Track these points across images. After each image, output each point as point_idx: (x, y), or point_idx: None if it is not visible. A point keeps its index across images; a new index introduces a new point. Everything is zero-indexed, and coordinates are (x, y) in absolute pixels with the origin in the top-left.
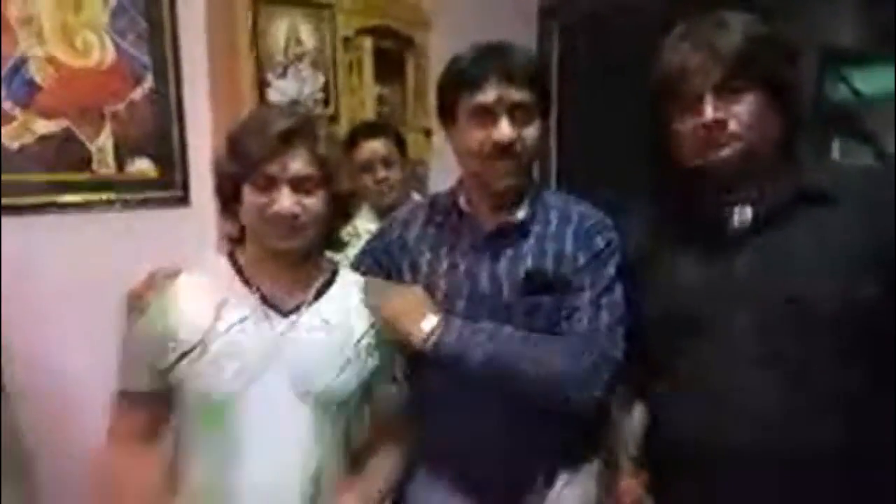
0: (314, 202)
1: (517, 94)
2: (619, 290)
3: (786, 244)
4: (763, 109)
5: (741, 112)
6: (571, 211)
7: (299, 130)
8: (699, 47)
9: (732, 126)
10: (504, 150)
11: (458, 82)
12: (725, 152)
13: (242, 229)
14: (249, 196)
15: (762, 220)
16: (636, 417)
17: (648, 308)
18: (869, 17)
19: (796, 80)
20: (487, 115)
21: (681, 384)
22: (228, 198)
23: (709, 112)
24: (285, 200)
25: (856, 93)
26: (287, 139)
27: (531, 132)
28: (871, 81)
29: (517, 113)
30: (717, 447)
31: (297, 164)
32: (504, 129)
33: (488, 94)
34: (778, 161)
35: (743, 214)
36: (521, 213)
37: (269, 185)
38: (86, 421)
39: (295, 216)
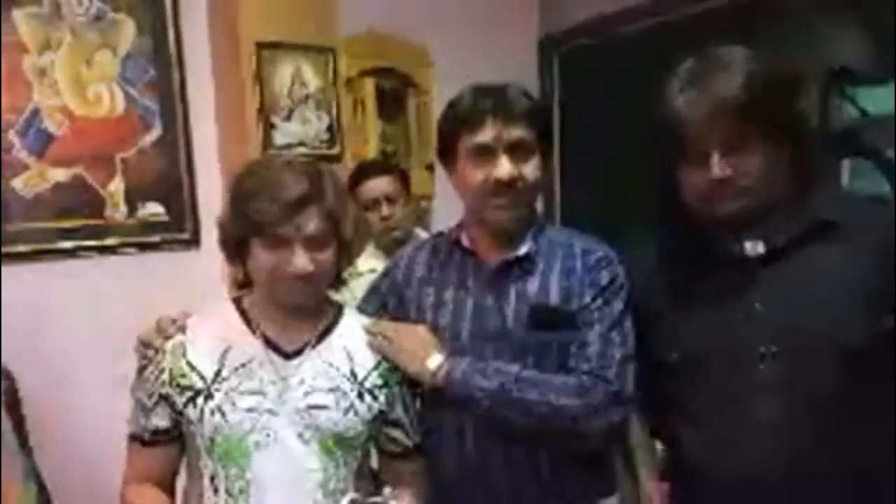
0: (326, 256)
1: (515, 132)
2: (628, 324)
3: (798, 276)
4: (771, 155)
5: (749, 165)
6: (576, 246)
7: (311, 193)
8: (702, 98)
9: (741, 181)
10: (505, 186)
11: (457, 124)
12: (734, 206)
13: (248, 273)
14: (261, 254)
15: (774, 252)
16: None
17: (661, 342)
18: (875, 36)
19: (802, 111)
20: (487, 153)
21: (696, 415)
22: (235, 252)
23: (716, 170)
24: (300, 260)
25: (863, 113)
26: (301, 203)
27: (531, 168)
28: (878, 101)
29: (516, 150)
30: (732, 475)
31: (311, 225)
32: (504, 166)
33: (486, 134)
34: (789, 194)
35: (755, 248)
36: (524, 249)
37: (282, 244)
38: (100, 463)
39: (310, 273)
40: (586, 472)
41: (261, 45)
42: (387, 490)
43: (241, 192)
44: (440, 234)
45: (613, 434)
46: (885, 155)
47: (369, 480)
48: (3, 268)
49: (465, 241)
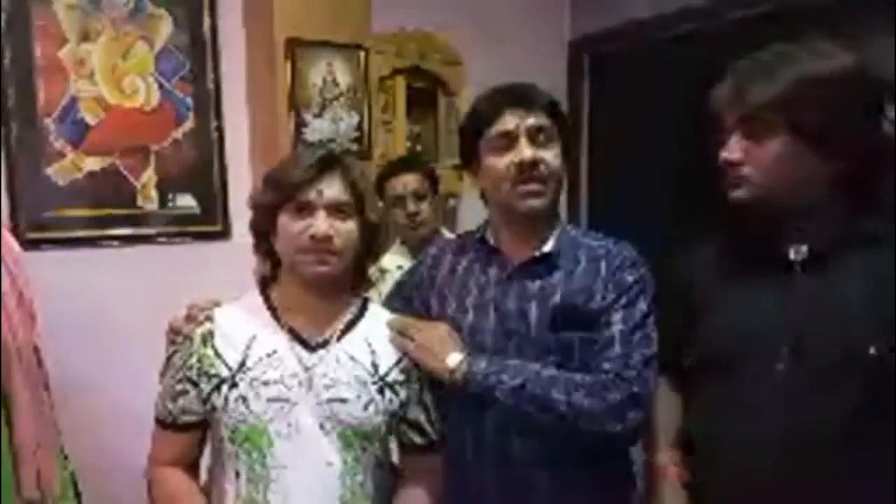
0: (347, 227)
1: (534, 119)
2: (650, 326)
3: (834, 286)
4: (792, 153)
5: (760, 155)
6: (600, 246)
7: (334, 159)
8: (735, 82)
9: (746, 169)
10: (528, 170)
11: (478, 120)
12: (737, 193)
13: (274, 267)
14: (286, 222)
15: (816, 259)
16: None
17: (705, 335)
18: None
19: (852, 122)
20: (508, 140)
21: (722, 404)
22: (263, 231)
23: (725, 151)
24: (321, 223)
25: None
26: (323, 167)
27: (552, 155)
28: None
29: (536, 136)
30: (749, 459)
31: (333, 190)
32: (525, 149)
33: (507, 122)
34: (832, 201)
35: (798, 252)
36: (548, 247)
37: (306, 210)
38: (129, 447)
39: (329, 238)
40: (605, 477)
41: (294, 43)
42: None
43: (271, 171)
44: (466, 234)
45: (631, 435)
46: None
47: (390, 475)
48: (35, 253)
49: (490, 239)
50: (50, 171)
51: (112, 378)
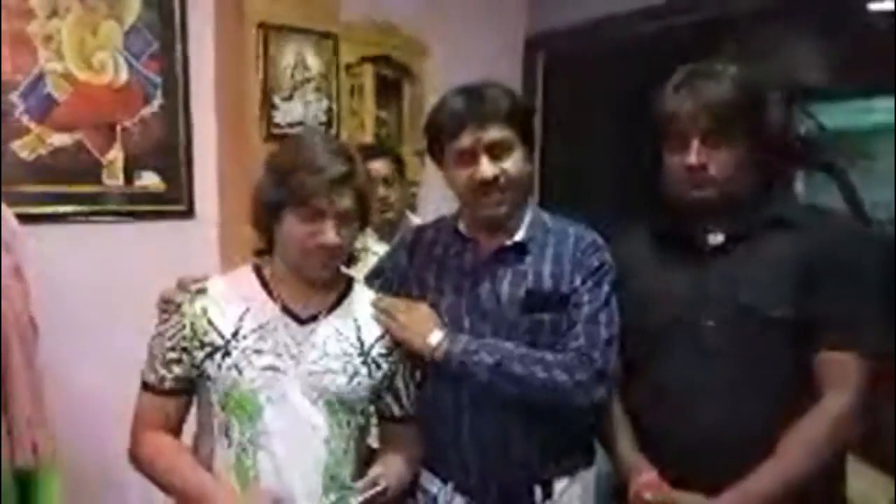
0: (350, 232)
1: (493, 133)
2: (613, 306)
3: (745, 264)
4: (743, 157)
5: (721, 160)
6: (568, 233)
7: (348, 172)
8: (692, 97)
9: (712, 171)
10: (489, 184)
11: (438, 131)
12: (703, 193)
13: (268, 242)
14: (293, 224)
15: (732, 243)
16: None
17: (638, 313)
18: (833, 54)
19: (772, 122)
20: (469, 156)
21: (657, 377)
22: (265, 218)
23: (692, 157)
24: (331, 233)
25: (821, 128)
26: (340, 181)
27: (513, 164)
28: (835, 116)
29: (496, 150)
30: (683, 427)
31: (346, 202)
32: (484, 167)
33: (465, 139)
34: (750, 193)
35: (715, 239)
36: (519, 236)
37: (316, 216)
38: (96, 427)
39: (337, 247)
40: (571, 444)
41: (266, 27)
42: (371, 472)
43: (286, 164)
44: (442, 219)
45: (597, 409)
46: (838, 167)
47: (366, 456)
48: None
49: (463, 229)
50: (15, 146)
51: (76, 355)
